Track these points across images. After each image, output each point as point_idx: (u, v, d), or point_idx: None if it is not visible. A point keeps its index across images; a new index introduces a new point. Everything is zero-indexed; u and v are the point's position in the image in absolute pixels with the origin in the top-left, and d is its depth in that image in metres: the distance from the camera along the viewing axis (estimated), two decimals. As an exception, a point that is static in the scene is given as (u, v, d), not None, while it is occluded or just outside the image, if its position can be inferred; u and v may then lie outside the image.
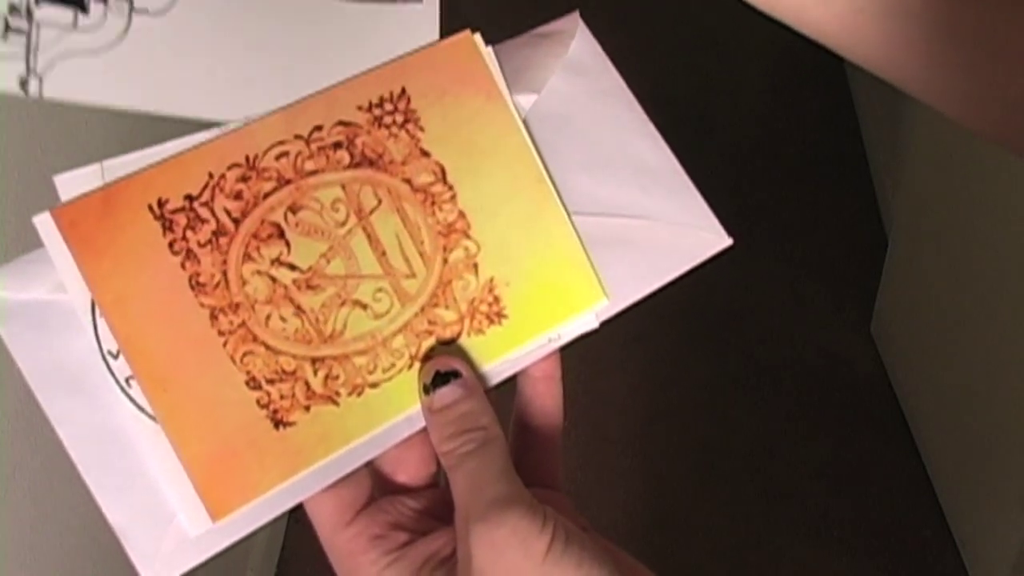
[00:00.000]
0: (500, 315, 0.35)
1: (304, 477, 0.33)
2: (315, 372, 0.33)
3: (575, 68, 0.40)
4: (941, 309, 1.52)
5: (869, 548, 1.54)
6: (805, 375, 1.74)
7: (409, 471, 0.37)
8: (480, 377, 0.35)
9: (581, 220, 0.38)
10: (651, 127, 0.40)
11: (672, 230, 0.39)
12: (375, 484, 0.37)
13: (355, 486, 0.35)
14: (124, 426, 0.32)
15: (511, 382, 0.37)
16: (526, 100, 0.39)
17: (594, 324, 0.37)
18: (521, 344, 0.35)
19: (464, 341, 0.35)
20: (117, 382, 0.32)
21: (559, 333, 0.36)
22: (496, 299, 0.35)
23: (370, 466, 0.37)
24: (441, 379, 0.34)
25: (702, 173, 0.41)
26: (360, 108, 0.35)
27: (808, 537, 1.55)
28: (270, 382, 0.33)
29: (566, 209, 0.37)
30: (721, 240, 0.39)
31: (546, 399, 0.38)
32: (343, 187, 0.35)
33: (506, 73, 0.37)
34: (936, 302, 1.53)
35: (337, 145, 0.35)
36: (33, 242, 0.34)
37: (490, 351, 0.35)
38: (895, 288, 1.68)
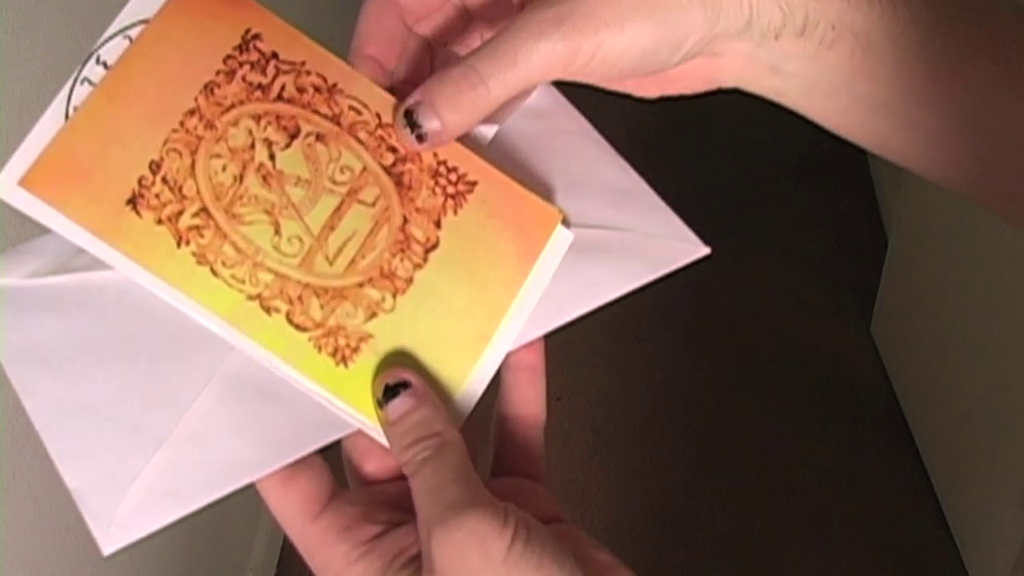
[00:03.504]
0: (344, 360, 0.35)
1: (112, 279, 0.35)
2: (195, 215, 0.35)
3: (535, 113, 0.41)
4: (941, 309, 1.52)
5: (869, 548, 1.54)
6: (805, 375, 1.74)
7: (376, 460, 0.37)
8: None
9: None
10: (620, 159, 0.41)
11: (646, 240, 0.39)
12: (351, 475, 0.37)
13: (316, 479, 0.35)
14: (87, 394, 0.33)
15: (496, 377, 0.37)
16: (488, 130, 0.39)
17: None
18: (330, 391, 0.35)
19: (296, 336, 0.35)
20: (75, 76, 0.35)
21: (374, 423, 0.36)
22: (355, 349, 0.35)
23: (342, 456, 0.37)
24: (391, 392, 0.34)
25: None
26: (435, 155, 0.37)
27: (808, 536, 1.55)
28: (164, 181, 0.35)
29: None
30: (697, 249, 0.39)
31: (527, 389, 0.38)
32: (364, 168, 0.37)
33: None
34: (936, 302, 1.53)
35: (393, 150, 0.37)
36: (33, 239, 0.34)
37: (305, 365, 0.35)
38: (895, 288, 1.68)
